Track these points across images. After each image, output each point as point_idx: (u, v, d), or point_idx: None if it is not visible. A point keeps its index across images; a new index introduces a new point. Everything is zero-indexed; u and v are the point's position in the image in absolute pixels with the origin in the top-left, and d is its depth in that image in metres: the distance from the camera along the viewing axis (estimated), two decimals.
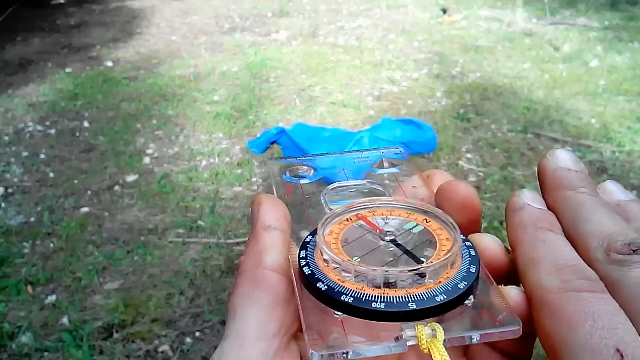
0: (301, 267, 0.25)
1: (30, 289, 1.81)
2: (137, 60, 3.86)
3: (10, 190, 2.36)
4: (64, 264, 1.92)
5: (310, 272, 0.25)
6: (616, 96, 3.18)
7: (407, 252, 0.26)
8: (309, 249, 0.26)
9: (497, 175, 2.40)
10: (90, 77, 3.58)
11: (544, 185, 0.28)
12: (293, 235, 0.28)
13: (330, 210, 0.30)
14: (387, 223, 0.28)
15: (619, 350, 0.20)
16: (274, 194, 0.32)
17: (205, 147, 2.69)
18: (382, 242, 0.26)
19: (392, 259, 0.26)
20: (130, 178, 2.43)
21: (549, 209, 0.27)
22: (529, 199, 0.27)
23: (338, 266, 0.24)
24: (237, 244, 2.02)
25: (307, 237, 0.27)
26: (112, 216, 2.18)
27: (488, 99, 3.18)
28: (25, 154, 2.64)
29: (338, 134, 2.64)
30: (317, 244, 0.26)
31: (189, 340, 1.62)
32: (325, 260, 0.25)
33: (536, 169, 0.27)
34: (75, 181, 2.42)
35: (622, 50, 3.92)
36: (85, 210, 2.22)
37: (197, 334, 1.64)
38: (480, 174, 2.43)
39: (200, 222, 2.13)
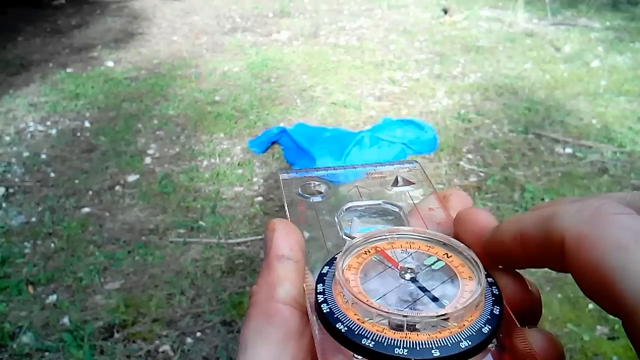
0: (319, 303, 0.24)
1: (31, 288, 1.81)
2: (138, 60, 3.86)
3: (11, 190, 2.36)
4: (64, 263, 1.92)
5: (328, 310, 0.24)
6: (617, 96, 3.18)
7: (428, 293, 0.25)
8: (326, 282, 0.25)
9: (497, 176, 2.40)
10: (91, 77, 3.58)
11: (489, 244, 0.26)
12: (306, 261, 0.27)
13: (345, 235, 0.29)
14: (405, 258, 0.27)
15: None
16: (285, 212, 0.31)
17: (206, 147, 2.69)
18: (402, 280, 0.25)
19: (413, 299, 0.25)
20: (131, 178, 2.43)
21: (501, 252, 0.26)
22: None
23: (357, 306, 0.24)
24: (238, 244, 2.02)
25: (323, 267, 0.26)
26: (112, 216, 2.18)
27: (489, 99, 3.18)
28: (26, 154, 2.65)
29: (339, 133, 2.64)
30: (336, 279, 0.25)
31: (189, 340, 1.62)
32: (344, 295, 0.24)
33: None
34: (76, 181, 2.42)
35: (623, 51, 3.92)
36: (86, 210, 2.22)
37: (198, 334, 1.64)
38: (481, 174, 2.43)
39: (201, 222, 2.13)
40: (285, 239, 0.27)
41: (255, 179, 2.43)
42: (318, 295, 0.25)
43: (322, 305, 0.24)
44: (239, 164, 2.54)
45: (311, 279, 0.26)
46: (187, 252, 1.98)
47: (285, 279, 0.26)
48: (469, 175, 2.42)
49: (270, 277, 0.26)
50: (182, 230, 2.10)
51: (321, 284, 0.25)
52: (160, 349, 1.59)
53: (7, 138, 2.81)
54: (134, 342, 1.61)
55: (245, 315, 0.26)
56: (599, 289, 0.19)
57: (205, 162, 2.57)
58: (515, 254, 0.24)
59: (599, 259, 0.19)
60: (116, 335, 1.63)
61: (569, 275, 0.21)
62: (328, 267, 0.26)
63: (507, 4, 4.98)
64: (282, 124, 2.83)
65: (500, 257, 0.25)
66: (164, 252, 1.98)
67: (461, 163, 2.50)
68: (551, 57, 3.84)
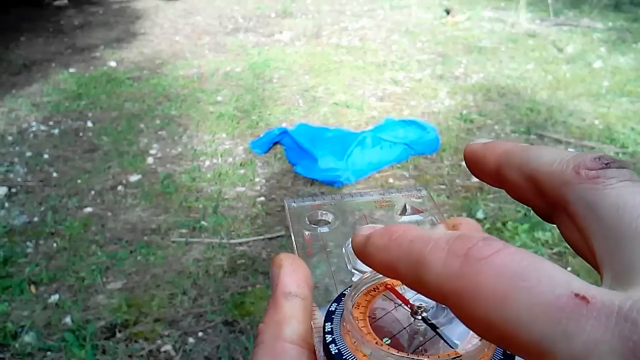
0: (327, 343, 0.24)
1: (33, 288, 1.82)
2: (141, 61, 3.87)
3: (13, 190, 2.37)
4: (67, 263, 1.93)
5: (336, 351, 0.23)
6: (619, 97, 3.18)
7: (439, 332, 0.24)
8: (334, 320, 0.25)
9: None
10: (93, 77, 3.59)
11: (477, 158, 0.26)
12: (314, 297, 0.27)
13: (354, 268, 0.29)
14: (416, 295, 0.26)
15: None
16: (292, 244, 0.30)
17: (208, 147, 2.70)
18: (413, 319, 0.25)
19: (424, 339, 0.24)
20: (133, 178, 2.44)
21: (491, 173, 0.25)
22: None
23: (367, 347, 0.23)
24: (240, 244, 2.02)
25: (331, 304, 0.26)
26: (115, 216, 2.19)
27: (491, 99, 3.18)
28: (28, 154, 2.65)
29: (341, 134, 2.64)
30: (344, 319, 0.24)
31: (191, 340, 1.62)
32: (353, 335, 0.24)
33: None
34: (79, 181, 2.42)
35: (625, 51, 3.92)
36: (89, 210, 2.23)
37: (200, 334, 1.64)
38: None
39: (203, 222, 2.14)
40: (292, 275, 0.26)
41: (257, 179, 2.43)
42: (326, 335, 0.24)
43: (330, 346, 0.24)
44: (241, 164, 2.54)
45: (319, 316, 0.26)
46: (189, 252, 1.99)
47: (292, 317, 0.25)
48: (471, 175, 2.42)
49: (277, 316, 0.25)
50: (184, 230, 2.10)
51: (329, 323, 0.25)
52: (162, 349, 1.59)
53: (10, 138, 2.81)
54: (136, 341, 1.62)
55: (252, 353, 0.25)
56: (504, 343, 0.18)
57: (207, 162, 2.57)
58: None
59: (486, 316, 0.17)
60: (118, 335, 1.63)
61: None
62: (336, 304, 0.26)
63: (510, 4, 4.98)
64: (284, 124, 2.83)
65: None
66: (166, 252, 1.98)
67: (463, 164, 2.49)
68: (553, 58, 3.84)
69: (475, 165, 0.26)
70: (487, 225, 2.07)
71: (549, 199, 0.22)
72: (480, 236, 0.18)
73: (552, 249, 1.95)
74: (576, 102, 3.12)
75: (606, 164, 0.20)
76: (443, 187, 2.33)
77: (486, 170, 0.26)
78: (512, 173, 0.24)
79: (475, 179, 2.41)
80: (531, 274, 0.17)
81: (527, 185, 0.23)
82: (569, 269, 1.83)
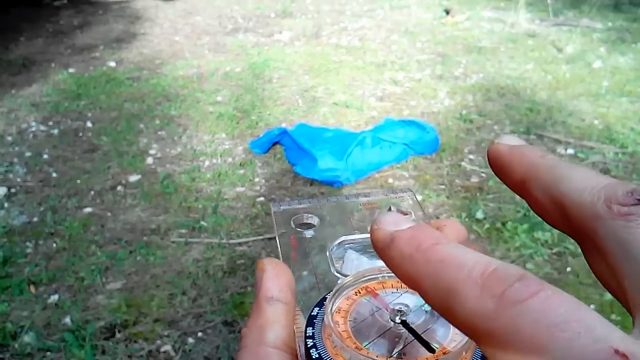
0: (308, 348, 0.24)
1: (32, 288, 1.82)
2: (140, 61, 3.86)
3: (13, 190, 2.37)
4: (66, 263, 1.93)
5: (317, 356, 0.24)
6: (619, 97, 3.18)
7: (418, 337, 0.24)
8: (315, 324, 0.25)
9: None
10: (93, 77, 3.58)
11: (502, 164, 0.25)
12: (298, 300, 0.27)
13: (337, 272, 0.29)
14: (397, 298, 0.26)
15: None
16: (277, 247, 0.30)
17: (207, 147, 2.69)
18: (392, 324, 0.25)
19: (403, 344, 0.24)
20: (133, 178, 2.44)
21: (516, 183, 0.24)
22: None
23: (346, 351, 0.24)
24: (240, 244, 2.02)
25: (313, 308, 0.26)
26: (114, 216, 2.19)
27: (491, 99, 3.18)
28: (28, 154, 2.65)
29: (340, 134, 2.64)
30: (325, 323, 0.25)
31: (191, 340, 1.62)
32: (333, 340, 0.24)
33: None
34: (78, 181, 2.42)
35: (625, 52, 3.92)
36: (88, 210, 2.23)
37: (199, 334, 1.64)
38: (483, 174, 2.43)
39: (202, 222, 2.14)
40: (275, 280, 0.26)
41: (256, 179, 2.43)
42: (307, 340, 0.24)
43: (311, 350, 0.24)
44: (240, 164, 2.54)
45: (302, 321, 0.26)
46: (188, 252, 1.99)
47: (274, 322, 0.25)
48: (470, 175, 2.42)
49: (259, 320, 0.26)
50: (183, 231, 2.10)
51: (311, 327, 0.25)
52: (162, 349, 1.59)
53: (9, 138, 2.81)
54: (135, 342, 1.61)
55: (236, 358, 0.26)
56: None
57: (207, 163, 2.57)
58: None
59: None
60: (118, 335, 1.63)
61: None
62: (318, 308, 0.26)
63: (509, 4, 4.98)
64: (283, 125, 2.83)
65: None
66: (165, 252, 1.98)
67: (463, 164, 2.50)
68: (553, 58, 3.84)
69: (499, 170, 0.25)
70: (487, 225, 2.07)
71: (576, 228, 0.22)
72: (516, 273, 0.18)
73: (551, 249, 1.95)
74: (576, 102, 3.12)
75: (639, 200, 0.20)
76: (443, 187, 2.33)
77: (511, 180, 0.25)
78: (538, 192, 0.23)
79: (474, 180, 2.42)
80: (571, 324, 0.16)
81: (553, 208, 0.22)
82: (568, 269, 1.83)
